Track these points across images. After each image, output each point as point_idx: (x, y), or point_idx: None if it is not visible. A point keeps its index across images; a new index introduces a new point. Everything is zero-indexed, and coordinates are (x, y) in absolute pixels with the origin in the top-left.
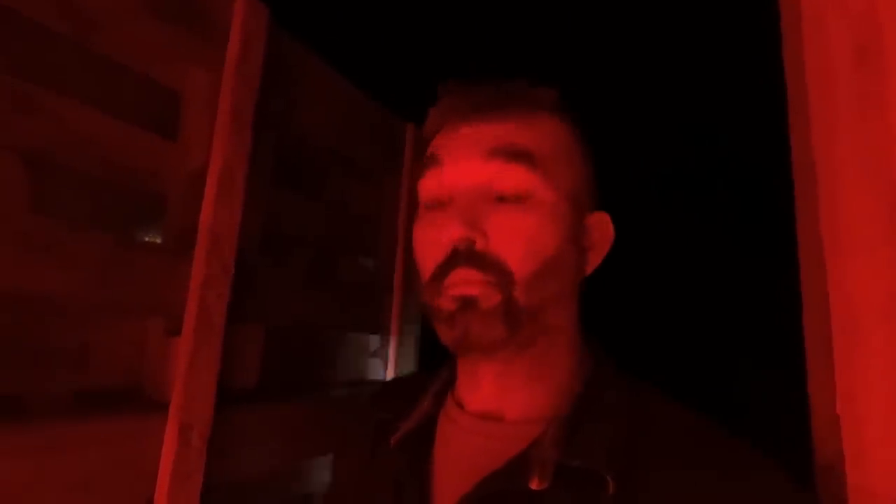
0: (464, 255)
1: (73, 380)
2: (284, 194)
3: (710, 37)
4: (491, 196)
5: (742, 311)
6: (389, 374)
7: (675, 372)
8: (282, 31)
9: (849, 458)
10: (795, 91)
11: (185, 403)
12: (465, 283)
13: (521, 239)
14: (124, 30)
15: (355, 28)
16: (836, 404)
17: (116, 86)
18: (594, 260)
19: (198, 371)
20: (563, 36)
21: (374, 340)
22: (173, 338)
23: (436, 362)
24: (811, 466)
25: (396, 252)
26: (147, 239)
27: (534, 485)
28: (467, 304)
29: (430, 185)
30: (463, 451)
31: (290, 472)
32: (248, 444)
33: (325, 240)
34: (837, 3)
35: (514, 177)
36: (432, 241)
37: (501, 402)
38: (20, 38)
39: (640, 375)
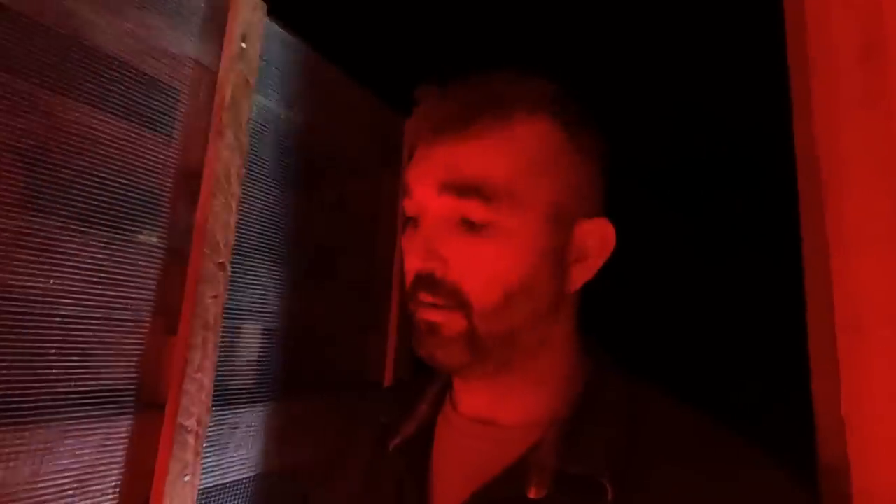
0: (424, 282)
1: (67, 380)
2: (282, 192)
3: (713, 32)
4: (453, 223)
5: (745, 311)
6: (388, 374)
7: (678, 372)
8: (279, 27)
9: (854, 460)
10: (799, 87)
11: (181, 403)
12: (429, 306)
13: (479, 270)
14: (120, 27)
15: (352, 23)
16: (840, 406)
17: (113, 84)
18: (588, 269)
19: (194, 372)
20: (563, 32)
21: (371, 340)
22: (170, 337)
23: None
24: (814, 469)
25: (394, 250)
26: (143, 238)
27: (531, 494)
28: (431, 329)
29: (405, 206)
30: (461, 455)
31: (288, 472)
32: (244, 444)
33: (322, 238)
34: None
35: (467, 211)
36: (407, 261)
37: (495, 409)
38: (15, 37)
39: (643, 375)
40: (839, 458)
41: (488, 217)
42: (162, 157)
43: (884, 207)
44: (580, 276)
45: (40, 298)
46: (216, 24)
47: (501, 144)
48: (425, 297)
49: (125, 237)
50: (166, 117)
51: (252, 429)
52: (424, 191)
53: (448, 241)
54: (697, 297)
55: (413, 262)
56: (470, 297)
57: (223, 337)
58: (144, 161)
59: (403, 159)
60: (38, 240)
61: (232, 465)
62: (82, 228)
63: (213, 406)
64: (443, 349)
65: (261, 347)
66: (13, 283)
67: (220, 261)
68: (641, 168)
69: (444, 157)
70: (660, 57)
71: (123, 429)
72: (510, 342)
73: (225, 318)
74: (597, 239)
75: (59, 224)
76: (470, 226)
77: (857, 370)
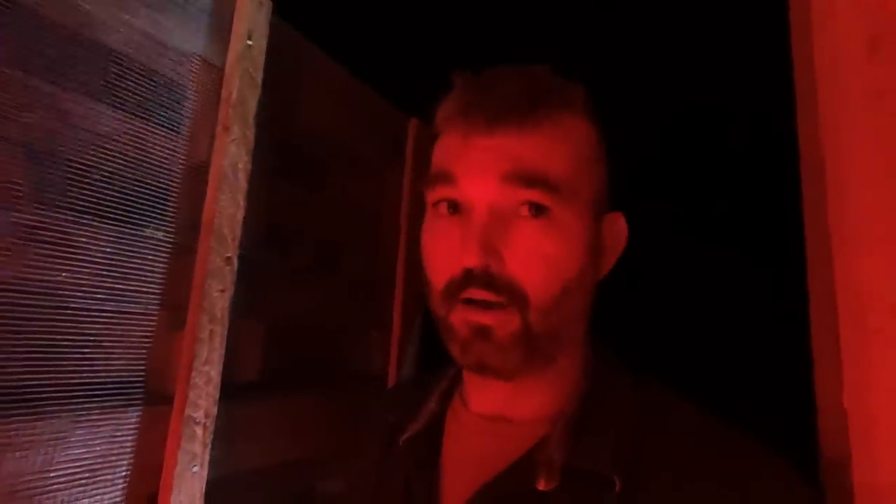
0: (478, 279)
1: (77, 372)
2: (287, 188)
3: (716, 28)
4: (508, 214)
5: (748, 305)
6: (391, 369)
7: (681, 367)
8: (285, 24)
9: (856, 454)
10: (803, 82)
11: (189, 397)
12: (480, 306)
13: (539, 263)
14: (127, 23)
15: (358, 21)
16: (843, 399)
17: (120, 79)
18: (608, 263)
19: (202, 364)
20: (568, 29)
21: (375, 335)
22: (177, 331)
23: (438, 358)
24: (817, 462)
25: (399, 247)
26: (151, 233)
27: (541, 485)
28: (481, 333)
29: (441, 194)
30: (470, 451)
31: (294, 466)
32: (251, 438)
33: (327, 234)
34: None
35: (532, 197)
36: (445, 253)
37: (508, 406)
38: (23, 32)
39: (647, 371)
40: (841, 451)
41: (552, 208)
42: (169, 152)
43: (888, 202)
44: (603, 269)
45: (52, 291)
46: (222, 21)
47: (558, 138)
48: (477, 294)
49: (133, 231)
50: (173, 113)
51: (259, 422)
52: (481, 181)
53: (507, 233)
54: (700, 292)
55: (465, 257)
56: (528, 291)
57: (230, 330)
58: (152, 156)
59: (408, 157)
60: (49, 234)
61: (239, 456)
62: (92, 223)
63: (221, 398)
64: (496, 354)
65: (267, 341)
66: (26, 276)
67: (228, 255)
68: (643, 165)
69: (505, 148)
70: (663, 52)
71: (133, 420)
72: (558, 338)
73: (231, 312)
74: (614, 233)
75: (69, 218)
76: (534, 216)
77: (859, 364)
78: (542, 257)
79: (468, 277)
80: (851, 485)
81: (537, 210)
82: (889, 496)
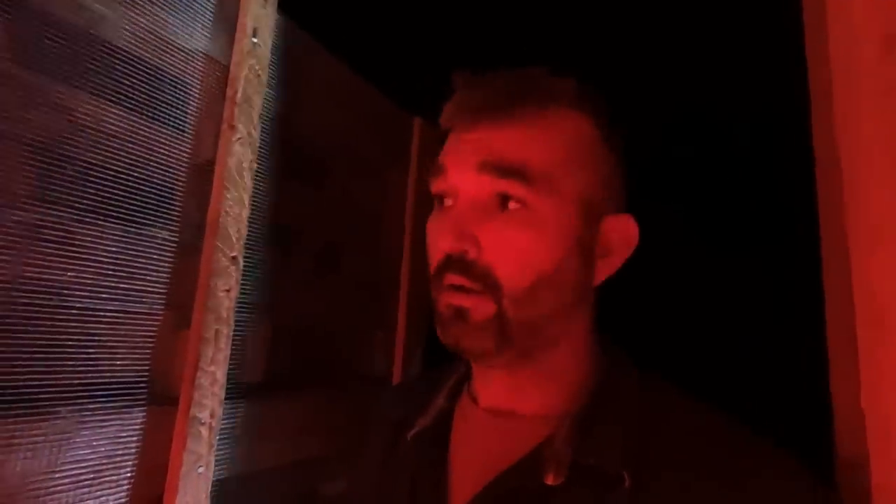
0: (455, 264)
1: (82, 373)
2: (292, 188)
3: (731, 27)
4: (488, 205)
5: (764, 305)
6: (396, 369)
7: (694, 365)
8: (290, 23)
9: (873, 454)
10: (818, 80)
11: (194, 397)
12: (458, 291)
13: (514, 253)
14: (133, 22)
15: (363, 21)
16: (860, 399)
17: (126, 78)
18: (611, 265)
19: (207, 365)
20: (576, 27)
21: (380, 335)
22: (183, 330)
23: (443, 357)
24: (832, 463)
25: (403, 246)
26: (156, 231)
27: (549, 480)
28: (459, 314)
29: (436, 187)
30: (478, 446)
31: (299, 466)
32: (257, 438)
33: (332, 234)
34: None
35: (506, 189)
36: (434, 241)
37: (513, 400)
38: (29, 31)
39: (659, 370)
40: (858, 452)
41: (526, 199)
42: (174, 151)
43: None
44: (603, 271)
45: (57, 291)
46: (228, 19)
47: (541, 132)
48: (454, 279)
49: (139, 230)
50: (179, 111)
51: (264, 421)
52: (461, 170)
53: (483, 222)
54: (716, 292)
55: (443, 242)
56: (501, 280)
57: (235, 330)
58: (157, 155)
59: (412, 156)
60: (54, 232)
61: (245, 457)
62: (97, 222)
63: (226, 399)
64: (470, 335)
65: (272, 341)
66: (30, 275)
67: (233, 255)
68: (657, 165)
69: (484, 140)
70: (677, 50)
71: (138, 421)
72: (535, 330)
73: (237, 312)
74: (621, 235)
75: (74, 217)
76: (506, 205)
77: (876, 364)
78: (514, 248)
79: (448, 262)
80: (869, 486)
81: (507, 207)
82: None
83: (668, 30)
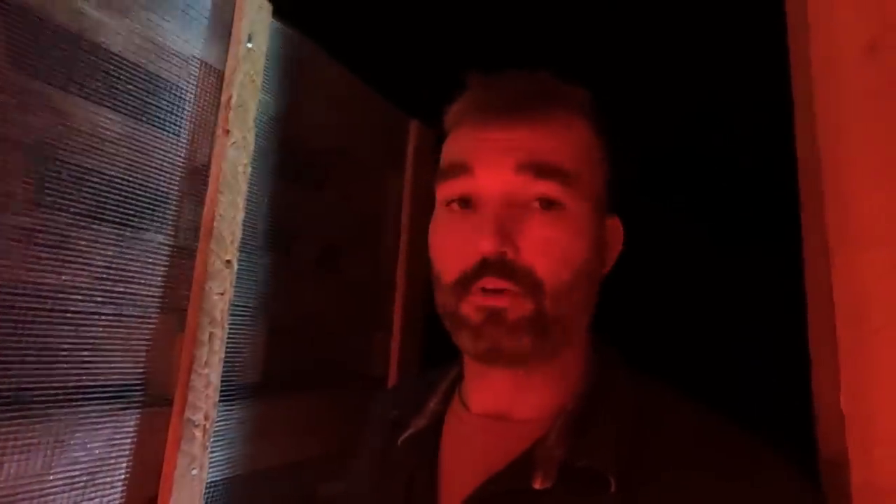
0: (494, 266)
1: (78, 374)
2: (288, 190)
3: (715, 31)
4: (522, 205)
5: (747, 307)
6: (393, 371)
7: (678, 367)
8: (285, 25)
9: (853, 454)
10: (801, 85)
11: (188, 398)
12: (494, 293)
13: (553, 250)
14: (128, 26)
15: (359, 23)
16: (840, 401)
17: (121, 82)
18: (609, 261)
19: (201, 367)
20: (567, 32)
21: (376, 337)
22: (177, 333)
23: (440, 359)
24: (815, 464)
25: (399, 248)
26: (151, 235)
27: (537, 484)
28: (495, 315)
29: (456, 188)
30: (470, 449)
31: (294, 468)
32: (251, 439)
33: (328, 236)
34: None
35: (545, 190)
36: (458, 246)
37: (511, 404)
38: (25, 34)
39: (645, 370)
40: (839, 452)
41: (562, 198)
42: (169, 155)
43: (886, 203)
44: (605, 267)
45: (51, 294)
46: (222, 24)
47: (568, 135)
48: (494, 283)
49: (133, 234)
50: (174, 116)
51: (259, 423)
52: (496, 171)
53: (522, 221)
54: (699, 293)
55: (481, 245)
56: (543, 278)
57: (230, 333)
58: (152, 159)
59: (409, 159)
60: (49, 236)
61: (239, 459)
62: (92, 225)
63: (220, 401)
64: (509, 337)
65: (267, 343)
66: (25, 278)
67: (227, 258)
68: (642, 167)
69: (518, 140)
70: (662, 54)
71: (132, 423)
72: (568, 327)
73: (232, 315)
74: (615, 235)
75: (69, 221)
76: (547, 205)
77: (857, 366)
78: (555, 245)
79: (483, 266)
80: (849, 486)
81: (549, 203)
82: (887, 497)
83: (654, 37)
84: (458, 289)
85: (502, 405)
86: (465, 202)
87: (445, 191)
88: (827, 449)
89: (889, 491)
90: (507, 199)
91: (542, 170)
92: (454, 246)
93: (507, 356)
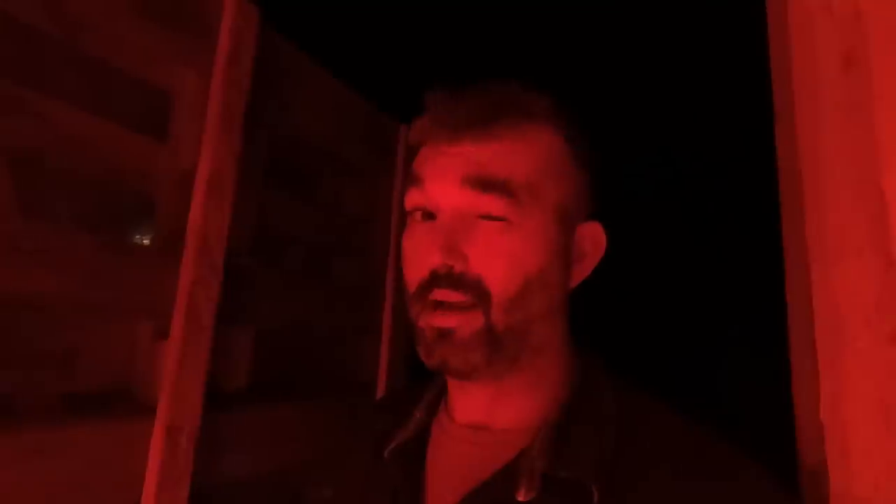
0: (443, 279)
1: (60, 382)
2: (275, 195)
3: (697, 42)
4: (471, 216)
5: (728, 319)
6: (381, 377)
7: (661, 378)
8: (273, 31)
9: (832, 463)
10: (781, 97)
11: (173, 406)
12: (445, 309)
13: (501, 260)
14: (113, 31)
15: (347, 28)
16: (820, 411)
17: (105, 87)
18: (584, 270)
19: (186, 374)
20: (554, 41)
21: (365, 342)
22: (162, 340)
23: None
24: (796, 472)
25: (389, 253)
26: (136, 240)
27: (520, 496)
28: (443, 335)
29: (413, 200)
30: (454, 460)
31: (280, 476)
32: (237, 447)
33: (316, 241)
34: (825, 10)
35: (489, 205)
36: (414, 258)
37: (491, 414)
38: (8, 39)
39: (628, 379)
40: (818, 461)
41: (508, 212)
42: (156, 160)
43: (863, 216)
44: (577, 275)
45: (35, 301)
46: (210, 28)
47: (519, 147)
48: (443, 295)
49: (119, 239)
50: (161, 121)
51: (244, 431)
52: (443, 185)
53: (469, 234)
54: (681, 303)
55: (430, 259)
56: (491, 288)
57: (216, 339)
58: (139, 164)
59: (398, 164)
60: (32, 242)
61: (225, 466)
62: (76, 231)
63: (206, 407)
64: (458, 354)
65: (254, 350)
66: (6, 285)
67: (214, 263)
68: (624, 177)
69: (465, 155)
70: (642, 67)
71: (116, 431)
72: (523, 336)
73: (218, 321)
74: (592, 242)
75: (53, 226)
76: (490, 217)
77: (835, 376)
78: (502, 256)
79: (434, 278)
80: (828, 494)
81: (492, 214)
82: (864, 503)
83: (640, 49)
84: (416, 301)
85: (482, 415)
86: (426, 213)
87: (407, 203)
88: (807, 458)
89: (866, 499)
90: (455, 212)
91: (486, 184)
92: (413, 257)
93: (456, 372)
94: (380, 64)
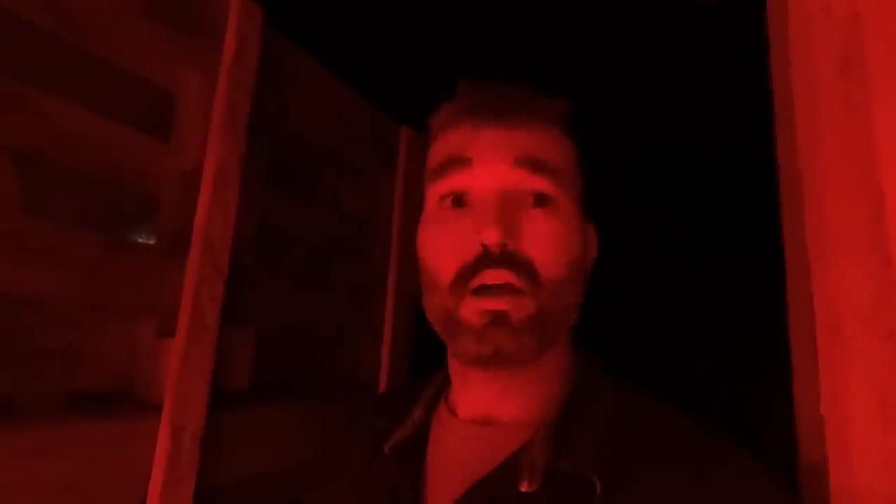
0: (495, 257)
1: (63, 381)
2: (278, 196)
3: (698, 44)
4: (519, 200)
5: (729, 314)
6: (383, 377)
7: (662, 374)
8: (276, 32)
9: (832, 458)
10: (781, 98)
11: (177, 405)
12: (494, 292)
13: (550, 244)
14: (117, 30)
15: (350, 30)
16: (820, 406)
17: (109, 86)
18: (587, 267)
19: (190, 372)
20: (555, 43)
21: (367, 342)
22: (166, 339)
23: (429, 365)
24: (796, 467)
25: (390, 254)
26: (140, 240)
27: (523, 487)
28: (498, 319)
29: (454, 183)
30: (455, 456)
31: (283, 475)
32: (240, 446)
33: (318, 242)
34: (824, 12)
35: (541, 185)
36: (454, 242)
37: (496, 408)
38: (10, 38)
39: (628, 377)
40: (818, 456)
41: (555, 194)
42: (160, 159)
43: (862, 215)
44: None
45: (38, 299)
46: (215, 28)
47: (555, 137)
48: (495, 276)
49: (123, 238)
50: (165, 121)
51: (248, 430)
52: (495, 165)
53: (517, 217)
54: (682, 300)
55: (482, 235)
56: (540, 270)
57: (220, 338)
58: (143, 164)
59: (399, 164)
60: (36, 240)
61: (229, 465)
62: (80, 230)
63: (210, 406)
64: (512, 339)
65: (258, 348)
66: (9, 283)
67: (218, 262)
68: (625, 176)
69: (516, 137)
70: (647, 68)
71: (120, 430)
72: (563, 323)
73: (222, 320)
74: (592, 241)
75: (57, 225)
76: (542, 201)
77: (835, 372)
78: (552, 239)
79: (483, 258)
80: (828, 487)
81: (544, 199)
82: (864, 499)
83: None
84: (457, 289)
85: (487, 409)
86: (459, 200)
87: (441, 187)
88: (807, 452)
89: (866, 492)
90: (504, 194)
91: (537, 165)
92: (449, 243)
93: (510, 359)
94: (381, 65)
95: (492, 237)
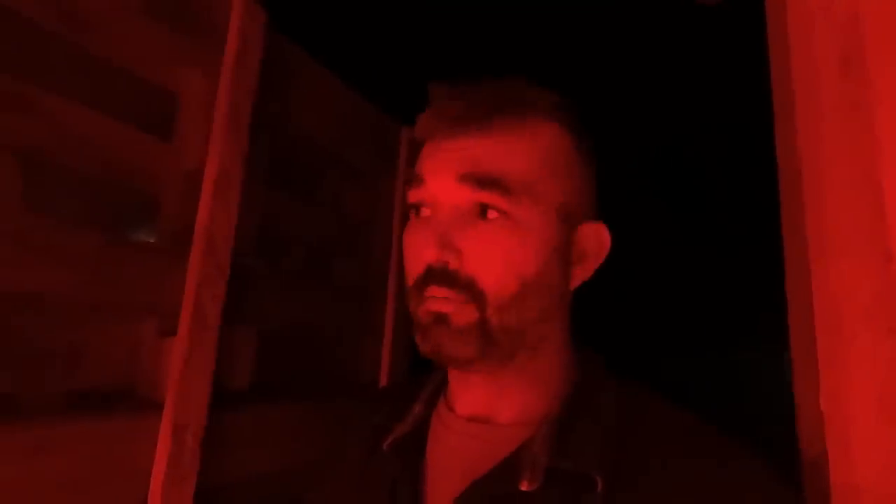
0: (436, 275)
1: (65, 380)
2: (280, 196)
3: (698, 44)
4: (466, 214)
5: (730, 310)
6: (383, 377)
7: (664, 371)
8: (279, 33)
9: (832, 455)
10: (781, 97)
11: (179, 404)
12: (440, 300)
13: (496, 259)
14: (121, 31)
15: (352, 31)
16: (820, 403)
17: (112, 86)
18: (586, 270)
19: (192, 372)
20: (556, 42)
21: (367, 342)
22: (167, 338)
23: (429, 365)
24: (797, 463)
25: (391, 254)
26: (142, 239)
27: (524, 486)
28: (439, 320)
29: (413, 196)
30: (455, 454)
31: (284, 474)
32: (241, 446)
33: (319, 242)
34: (824, 12)
35: (488, 199)
36: (413, 253)
37: (492, 406)
38: (13, 37)
39: (630, 374)
40: (819, 452)
41: (506, 209)
42: (162, 159)
43: (862, 213)
44: (579, 276)
45: (41, 298)
46: (217, 29)
47: (519, 142)
48: (437, 292)
49: (125, 238)
50: (167, 121)
51: (249, 429)
52: (441, 181)
53: (464, 231)
54: (684, 298)
55: (425, 253)
56: (485, 289)
57: (221, 337)
58: (145, 163)
59: (400, 165)
60: (39, 239)
61: (230, 464)
62: (82, 229)
63: (211, 406)
64: (452, 341)
65: (259, 348)
66: (12, 282)
67: (220, 262)
68: (625, 176)
69: (463, 150)
70: (645, 68)
71: (121, 429)
72: (519, 336)
73: (223, 319)
74: (595, 242)
75: (60, 224)
76: (486, 215)
77: (835, 369)
78: (497, 255)
79: (429, 274)
80: (828, 483)
81: (489, 211)
82: (864, 495)
83: (639, 47)
84: (414, 294)
85: (484, 408)
86: (418, 209)
87: (409, 199)
88: (808, 448)
89: (866, 489)
90: (452, 209)
91: (482, 180)
92: (413, 252)
93: (449, 359)
94: (383, 66)
95: (429, 257)
